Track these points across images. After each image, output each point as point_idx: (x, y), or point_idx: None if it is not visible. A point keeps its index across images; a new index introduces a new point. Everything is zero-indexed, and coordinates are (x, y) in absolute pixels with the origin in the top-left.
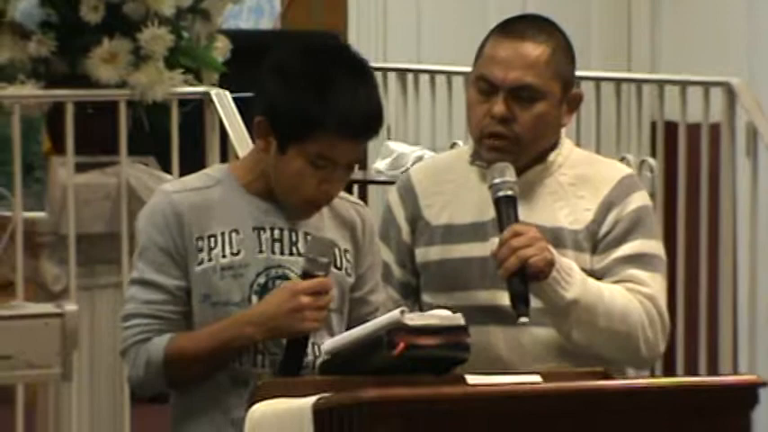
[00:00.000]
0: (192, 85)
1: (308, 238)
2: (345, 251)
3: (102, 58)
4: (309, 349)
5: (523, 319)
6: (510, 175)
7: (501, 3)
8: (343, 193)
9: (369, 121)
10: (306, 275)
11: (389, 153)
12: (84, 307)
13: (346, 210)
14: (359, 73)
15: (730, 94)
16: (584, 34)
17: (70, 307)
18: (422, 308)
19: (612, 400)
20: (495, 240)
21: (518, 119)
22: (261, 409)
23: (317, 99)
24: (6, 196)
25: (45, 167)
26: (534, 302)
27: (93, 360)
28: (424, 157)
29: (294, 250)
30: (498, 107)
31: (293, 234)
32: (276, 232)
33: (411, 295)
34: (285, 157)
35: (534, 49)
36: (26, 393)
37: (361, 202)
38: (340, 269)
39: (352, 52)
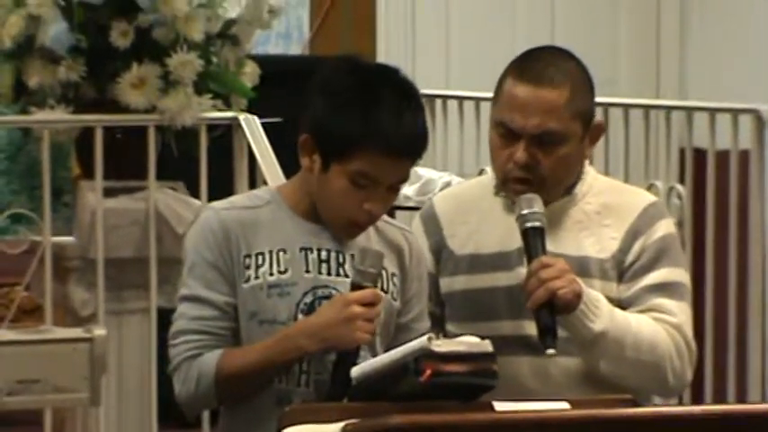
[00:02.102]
0: (220, 110)
1: (354, 263)
2: (393, 275)
3: (132, 83)
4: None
5: (551, 352)
6: (538, 207)
7: (529, 29)
8: (391, 219)
9: (411, 141)
10: (355, 287)
11: (417, 179)
12: (113, 331)
13: (394, 234)
14: (405, 93)
15: (759, 121)
16: (612, 61)
17: (99, 331)
18: (447, 338)
19: (641, 428)
20: (521, 270)
21: (541, 163)
22: None
23: (360, 117)
24: (35, 221)
25: (74, 192)
26: (561, 332)
27: (121, 385)
28: (451, 182)
29: (341, 271)
30: (520, 155)
31: (340, 255)
32: (323, 253)
33: (436, 326)
34: (328, 175)
35: (552, 93)
36: (54, 418)
37: (409, 229)
38: (386, 293)
39: (401, 74)
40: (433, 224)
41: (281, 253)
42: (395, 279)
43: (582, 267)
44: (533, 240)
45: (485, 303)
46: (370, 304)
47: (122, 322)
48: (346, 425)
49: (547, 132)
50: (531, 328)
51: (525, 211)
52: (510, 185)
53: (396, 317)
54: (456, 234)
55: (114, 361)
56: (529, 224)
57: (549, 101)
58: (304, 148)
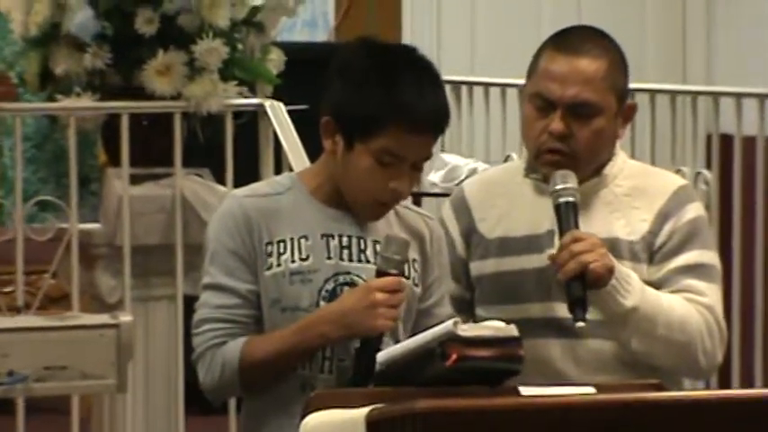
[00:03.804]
0: (246, 97)
1: (377, 246)
2: (414, 261)
3: (157, 70)
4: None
5: (580, 324)
6: (572, 182)
7: (555, 15)
8: (412, 205)
9: (434, 116)
10: (380, 274)
11: (443, 165)
12: (139, 318)
13: (415, 221)
14: (424, 70)
15: None
16: (639, 46)
17: (125, 318)
18: (476, 322)
19: (667, 412)
20: (551, 252)
21: (576, 135)
22: (314, 419)
23: (382, 94)
24: (62, 208)
25: (101, 180)
26: (591, 315)
27: (147, 371)
28: (477, 169)
29: (363, 257)
30: (556, 124)
31: (362, 242)
32: (345, 239)
33: (465, 310)
34: (352, 155)
35: (590, 65)
36: (81, 404)
37: (430, 215)
38: (408, 279)
39: (419, 52)
40: (463, 209)
41: (302, 240)
42: (416, 265)
43: (612, 249)
44: (566, 215)
45: (514, 286)
46: (393, 291)
47: (149, 309)
48: (372, 410)
49: (583, 103)
50: (560, 311)
51: (559, 186)
52: (543, 157)
53: (417, 302)
54: (486, 218)
55: (141, 348)
56: (562, 199)
57: (586, 72)
58: (326, 131)
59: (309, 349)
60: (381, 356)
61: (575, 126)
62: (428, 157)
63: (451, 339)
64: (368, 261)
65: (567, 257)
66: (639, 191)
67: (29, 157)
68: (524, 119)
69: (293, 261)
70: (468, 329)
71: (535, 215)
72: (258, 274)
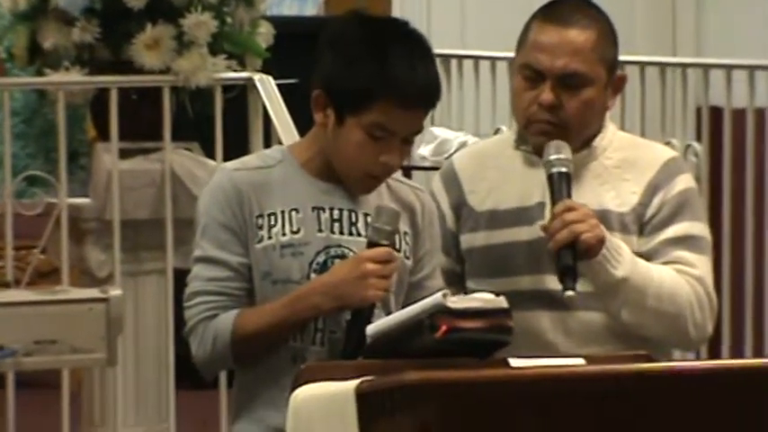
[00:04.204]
0: (235, 70)
1: (368, 218)
2: (405, 234)
3: (146, 44)
4: None
5: (570, 293)
6: (566, 153)
7: None
8: (403, 178)
9: (426, 90)
10: (371, 245)
11: (433, 139)
12: (129, 293)
13: (406, 193)
14: (416, 44)
15: None
16: (628, 18)
17: (115, 292)
18: (466, 295)
19: (656, 383)
20: (542, 224)
21: (565, 106)
22: (304, 392)
23: (374, 68)
24: (51, 183)
25: (90, 154)
26: (582, 286)
27: (138, 345)
28: (467, 142)
29: (353, 230)
30: (546, 95)
31: (353, 215)
32: (336, 212)
33: (456, 283)
34: (343, 129)
35: (579, 35)
36: (72, 378)
37: (422, 187)
38: (399, 251)
39: (411, 26)
40: (453, 182)
41: (293, 213)
42: (407, 238)
43: (602, 221)
44: (559, 185)
45: (504, 258)
46: (384, 261)
47: (139, 283)
48: (361, 382)
49: (572, 73)
50: (550, 283)
51: (553, 156)
52: (532, 128)
53: (408, 275)
54: (476, 190)
55: (131, 322)
56: (555, 169)
57: (575, 42)
58: (317, 104)
59: (301, 321)
60: (371, 329)
61: (564, 97)
62: (419, 130)
63: (441, 311)
64: (359, 234)
65: (560, 226)
66: (629, 163)
67: (17, 132)
68: (514, 90)
69: (284, 234)
70: (457, 301)
71: (525, 187)
72: (249, 247)
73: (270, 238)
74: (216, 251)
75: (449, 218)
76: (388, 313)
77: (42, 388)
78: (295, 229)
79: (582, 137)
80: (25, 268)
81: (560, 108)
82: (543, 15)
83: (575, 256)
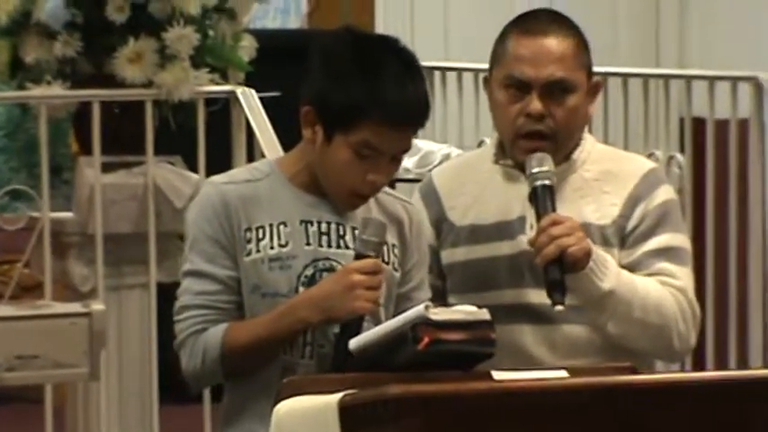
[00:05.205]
0: (218, 84)
1: (356, 232)
2: (393, 246)
3: (128, 57)
4: None
5: (559, 308)
6: (548, 165)
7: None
8: (391, 191)
9: (415, 110)
10: (358, 256)
11: (417, 151)
12: (112, 307)
13: (394, 206)
14: (406, 62)
15: (758, 88)
16: (611, 30)
17: (97, 306)
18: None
19: (641, 395)
20: (522, 239)
21: (553, 114)
22: (287, 405)
23: (363, 87)
24: (34, 197)
25: (74, 169)
26: (566, 300)
27: (121, 360)
28: (451, 154)
29: (342, 243)
30: (534, 104)
31: (341, 228)
32: (324, 226)
33: (438, 299)
34: (331, 146)
35: (560, 44)
36: (55, 393)
37: (409, 200)
38: (387, 264)
39: (402, 44)
40: (432, 197)
41: (281, 226)
42: (395, 250)
43: None
44: (543, 198)
45: (486, 273)
46: (371, 273)
47: (122, 297)
48: (344, 395)
49: (558, 81)
50: (532, 297)
51: (536, 170)
52: (521, 143)
53: (396, 287)
54: (456, 206)
55: (114, 336)
56: (539, 182)
57: (558, 50)
58: (306, 120)
59: (290, 334)
60: (354, 343)
61: (551, 106)
62: (407, 149)
63: (424, 323)
64: (347, 247)
65: (546, 241)
66: (609, 175)
67: (0, 146)
68: (497, 105)
69: (272, 247)
70: (439, 313)
71: (506, 201)
72: (238, 260)
73: (258, 251)
74: (205, 265)
75: (429, 233)
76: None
77: (25, 403)
78: (283, 242)
79: (567, 147)
80: (8, 283)
81: (549, 117)
82: (518, 28)
83: (562, 269)
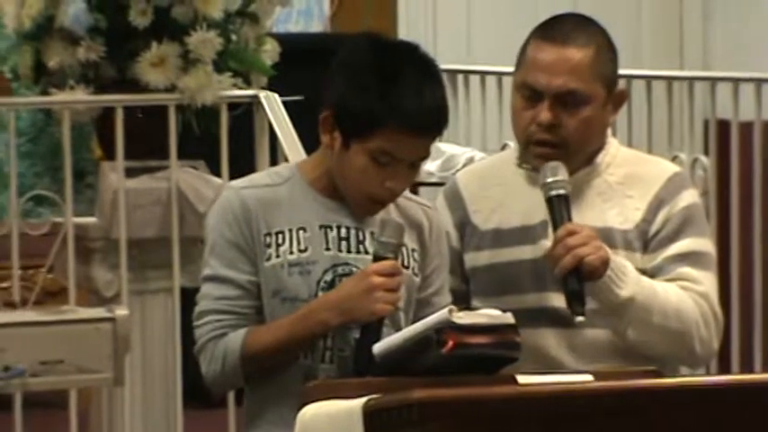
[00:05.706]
0: (241, 88)
1: (375, 235)
2: (413, 251)
3: (151, 62)
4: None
5: (580, 319)
6: (562, 174)
7: (551, 2)
8: (411, 195)
9: (431, 118)
10: (376, 258)
11: (440, 155)
12: (136, 312)
13: (414, 210)
14: (425, 70)
15: None
16: (635, 32)
17: (121, 311)
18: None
19: (666, 399)
20: (545, 243)
21: (564, 125)
22: (311, 410)
23: (381, 94)
24: (58, 203)
25: (97, 173)
26: (587, 304)
27: (145, 365)
28: (474, 158)
29: (361, 248)
30: (544, 114)
31: (360, 233)
32: (343, 231)
33: (461, 302)
34: (349, 153)
35: (577, 53)
36: (79, 398)
37: (429, 204)
38: (407, 268)
39: (421, 51)
40: (456, 200)
41: (300, 231)
42: (415, 254)
43: (606, 239)
44: (558, 208)
45: (509, 277)
46: (390, 275)
47: (146, 302)
48: (368, 400)
49: (570, 92)
50: (555, 300)
51: (549, 179)
52: (532, 148)
53: (417, 292)
54: (479, 209)
55: (138, 341)
56: (553, 192)
57: (573, 60)
58: (324, 126)
59: (310, 337)
60: (378, 347)
61: (563, 116)
62: (426, 156)
63: (448, 327)
64: (366, 252)
65: (563, 252)
66: (633, 179)
67: (24, 151)
68: (513, 108)
69: (291, 253)
70: (464, 317)
71: (528, 206)
72: (258, 265)
73: (278, 256)
74: (224, 270)
75: (453, 237)
76: (398, 331)
77: (50, 408)
78: (303, 247)
79: (582, 155)
80: (33, 288)
81: (559, 127)
82: (541, 33)
83: (580, 279)
